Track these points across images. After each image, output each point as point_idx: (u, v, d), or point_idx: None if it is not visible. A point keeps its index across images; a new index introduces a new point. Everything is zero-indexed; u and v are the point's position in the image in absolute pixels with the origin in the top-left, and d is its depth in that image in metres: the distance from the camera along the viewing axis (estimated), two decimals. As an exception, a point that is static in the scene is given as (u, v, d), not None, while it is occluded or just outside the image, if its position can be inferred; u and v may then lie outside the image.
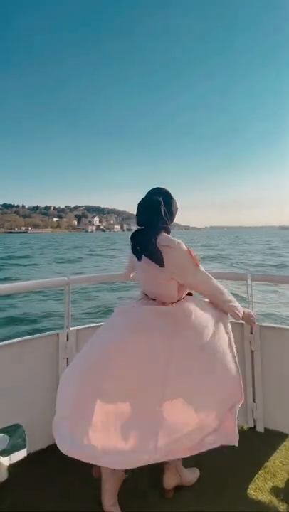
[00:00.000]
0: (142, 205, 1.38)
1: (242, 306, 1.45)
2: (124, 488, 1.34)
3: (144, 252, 1.31)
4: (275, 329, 1.87)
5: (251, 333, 1.86)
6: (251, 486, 1.43)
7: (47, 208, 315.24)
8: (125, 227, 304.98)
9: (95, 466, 1.17)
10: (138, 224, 1.39)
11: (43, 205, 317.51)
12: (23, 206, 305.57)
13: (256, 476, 1.49)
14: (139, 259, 1.36)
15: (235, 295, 1.45)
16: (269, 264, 18.22)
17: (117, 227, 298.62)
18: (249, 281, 1.88)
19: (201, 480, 1.46)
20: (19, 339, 1.68)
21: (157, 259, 1.26)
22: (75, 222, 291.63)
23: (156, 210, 1.34)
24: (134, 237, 1.37)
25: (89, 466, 1.07)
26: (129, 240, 1.41)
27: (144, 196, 1.41)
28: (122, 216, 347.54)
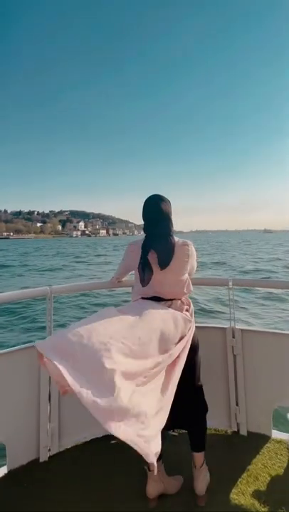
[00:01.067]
0: (154, 215, 1.45)
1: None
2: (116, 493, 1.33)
3: (169, 259, 1.38)
4: (256, 333, 1.92)
5: (233, 337, 1.89)
6: (234, 490, 1.44)
7: (30, 212, 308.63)
8: (111, 232, 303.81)
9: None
10: (151, 232, 1.44)
11: (26, 210, 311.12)
12: (5, 211, 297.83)
13: (239, 479, 1.50)
14: (162, 267, 1.38)
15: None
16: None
17: (103, 232, 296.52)
18: (230, 286, 1.92)
19: (185, 487, 1.46)
20: None
21: (183, 258, 1.42)
22: (60, 227, 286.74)
23: (168, 219, 1.46)
24: (155, 247, 1.40)
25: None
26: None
27: (149, 205, 1.48)
28: (107, 221, 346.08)
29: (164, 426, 1.11)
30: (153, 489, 1.38)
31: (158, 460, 1.21)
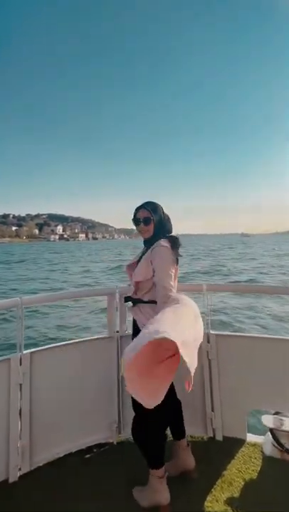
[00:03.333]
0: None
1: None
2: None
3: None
4: (230, 337, 1.95)
5: (208, 342, 1.91)
6: (208, 497, 1.44)
7: (5, 216, 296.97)
8: (90, 235, 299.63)
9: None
10: (170, 233, 1.57)
11: (0, 213, 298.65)
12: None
13: (214, 486, 1.51)
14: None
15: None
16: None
17: (82, 236, 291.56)
18: (205, 291, 1.94)
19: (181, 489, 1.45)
20: None
21: None
22: (36, 231, 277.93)
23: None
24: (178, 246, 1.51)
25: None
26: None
27: (161, 210, 1.57)
28: (87, 225, 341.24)
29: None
30: (167, 494, 1.39)
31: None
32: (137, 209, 1.55)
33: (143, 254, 1.56)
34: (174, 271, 1.45)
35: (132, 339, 1.38)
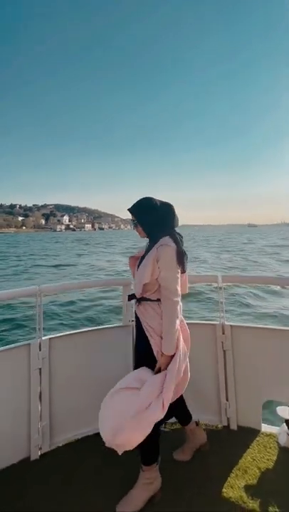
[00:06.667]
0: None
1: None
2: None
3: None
4: (245, 328, 1.94)
5: (223, 333, 1.90)
6: (223, 483, 1.47)
7: (12, 206, 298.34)
8: (96, 226, 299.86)
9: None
10: (173, 228, 1.45)
11: (7, 204, 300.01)
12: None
13: (228, 473, 1.53)
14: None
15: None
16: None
17: (88, 226, 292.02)
18: (220, 282, 1.91)
19: (177, 481, 1.47)
20: None
21: None
22: (43, 221, 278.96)
23: None
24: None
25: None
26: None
27: (149, 208, 1.44)
28: (93, 215, 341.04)
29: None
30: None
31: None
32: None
33: (147, 250, 1.47)
34: (179, 271, 1.37)
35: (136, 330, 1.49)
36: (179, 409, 1.62)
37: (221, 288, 1.94)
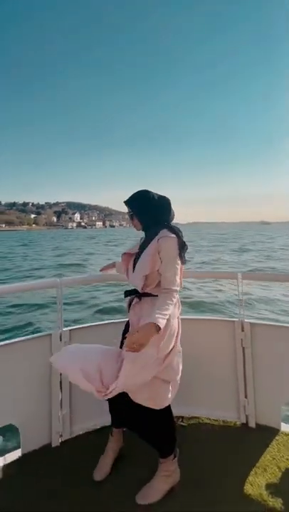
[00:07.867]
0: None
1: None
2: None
3: None
4: (264, 326, 1.91)
5: (242, 330, 1.88)
6: (242, 481, 1.45)
7: (25, 204, 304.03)
8: (108, 223, 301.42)
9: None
10: (169, 222, 1.44)
11: (20, 202, 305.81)
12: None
13: (247, 471, 1.51)
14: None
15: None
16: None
17: (99, 223, 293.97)
18: (240, 280, 1.90)
19: (194, 478, 1.47)
20: (11, 341, 1.68)
21: None
22: (54, 218, 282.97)
23: None
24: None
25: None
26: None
27: (145, 200, 1.43)
28: (104, 213, 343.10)
29: None
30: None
31: None
32: None
33: (143, 244, 1.44)
34: (179, 263, 1.36)
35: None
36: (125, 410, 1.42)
37: (240, 285, 1.92)
